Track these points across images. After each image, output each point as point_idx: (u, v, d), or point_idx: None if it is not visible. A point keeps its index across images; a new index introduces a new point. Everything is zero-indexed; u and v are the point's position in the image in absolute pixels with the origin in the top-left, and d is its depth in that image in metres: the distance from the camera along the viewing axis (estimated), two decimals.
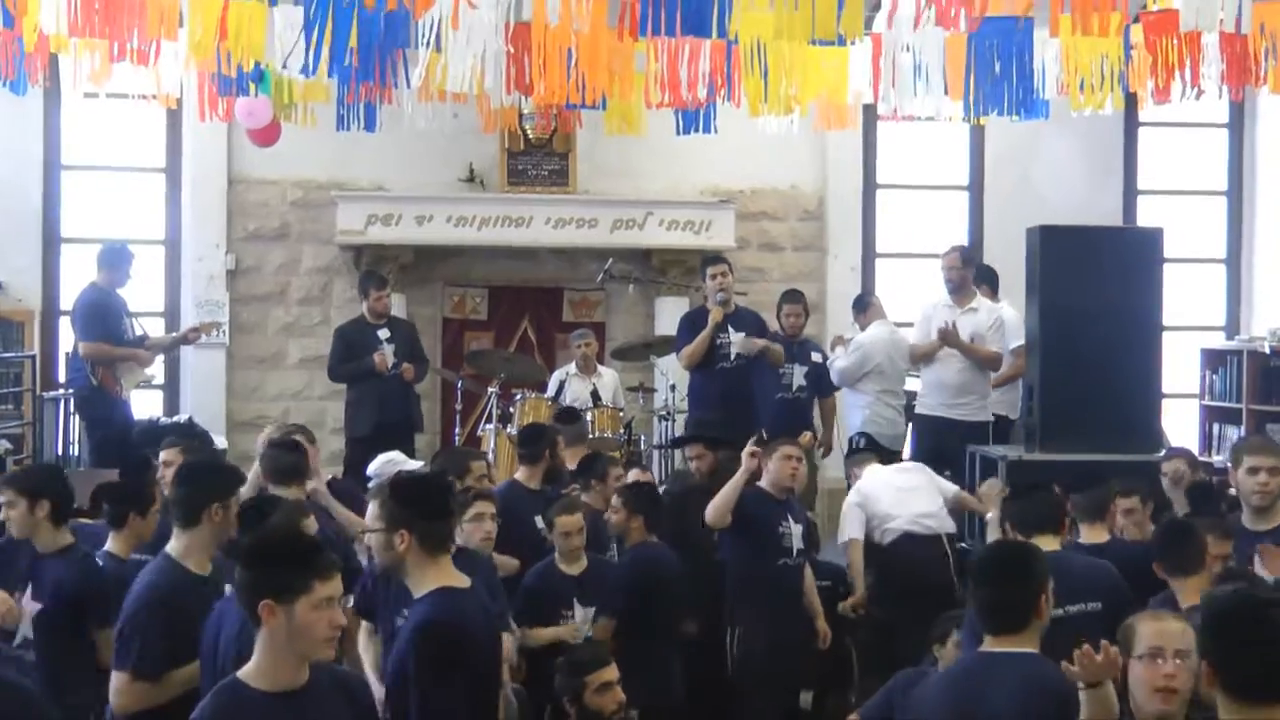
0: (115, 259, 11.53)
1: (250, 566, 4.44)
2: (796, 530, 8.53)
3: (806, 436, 11.07)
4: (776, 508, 8.51)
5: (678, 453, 11.63)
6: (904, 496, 9.44)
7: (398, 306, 13.80)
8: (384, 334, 11.88)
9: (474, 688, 5.05)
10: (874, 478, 9.73)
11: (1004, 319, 11.47)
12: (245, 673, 4.41)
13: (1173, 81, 9.50)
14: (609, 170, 14.28)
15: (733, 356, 11.13)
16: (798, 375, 11.80)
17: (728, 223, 14.20)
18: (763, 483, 8.54)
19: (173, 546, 5.78)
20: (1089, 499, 7.57)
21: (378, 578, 6.17)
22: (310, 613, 4.33)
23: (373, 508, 5.24)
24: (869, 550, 9.36)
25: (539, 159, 14.28)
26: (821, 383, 11.98)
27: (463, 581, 5.17)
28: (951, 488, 9.78)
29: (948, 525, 9.40)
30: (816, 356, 12.01)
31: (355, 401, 11.81)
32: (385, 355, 11.68)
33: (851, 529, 9.46)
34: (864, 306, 12.57)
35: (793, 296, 12.20)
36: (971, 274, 11.67)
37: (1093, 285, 10.21)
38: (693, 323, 11.44)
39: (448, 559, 5.19)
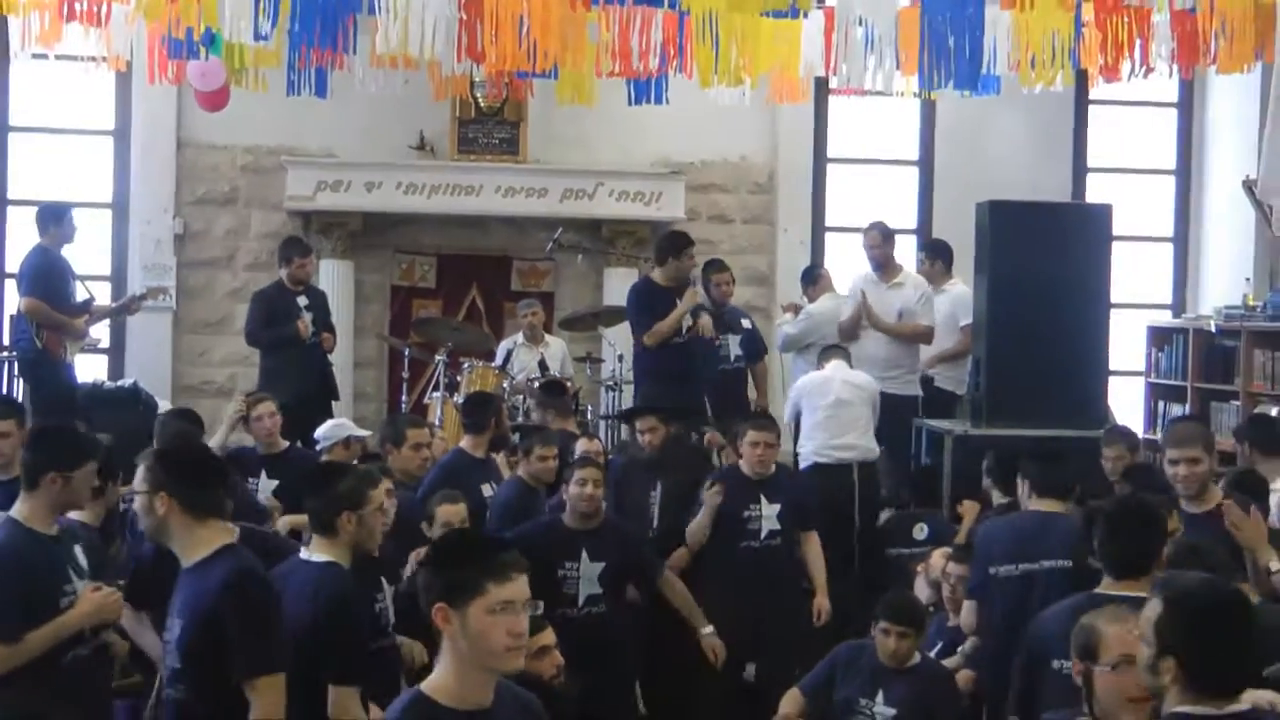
0: (57, 213, 11.45)
1: (425, 567, 4.15)
2: (770, 511, 8.52)
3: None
4: (747, 490, 8.56)
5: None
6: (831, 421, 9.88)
7: (346, 273, 13.79)
8: (303, 301, 11.82)
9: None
10: (823, 387, 9.96)
11: (930, 293, 11.58)
12: (432, 686, 4.09)
13: (1122, 60, 9.55)
14: (560, 140, 14.24)
15: (684, 331, 10.78)
16: (733, 345, 11.81)
17: (678, 194, 14.19)
18: (741, 464, 8.65)
19: (17, 509, 5.69)
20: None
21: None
22: (484, 618, 3.94)
23: (139, 472, 5.14)
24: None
25: (490, 127, 14.23)
26: (754, 348, 12.03)
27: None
28: None
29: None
30: (746, 323, 12.10)
31: (273, 370, 11.65)
32: (307, 323, 11.61)
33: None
34: (813, 279, 12.62)
35: (720, 266, 12.15)
36: (892, 249, 11.78)
37: (1041, 261, 10.26)
38: (649, 297, 10.95)
39: (219, 524, 5.11)
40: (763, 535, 8.52)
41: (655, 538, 8.70)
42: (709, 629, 8.03)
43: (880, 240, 11.66)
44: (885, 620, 6.71)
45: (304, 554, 5.73)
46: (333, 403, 11.82)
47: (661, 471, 9.15)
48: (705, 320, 10.85)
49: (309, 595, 5.46)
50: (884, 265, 11.61)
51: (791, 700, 6.91)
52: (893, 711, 6.61)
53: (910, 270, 11.96)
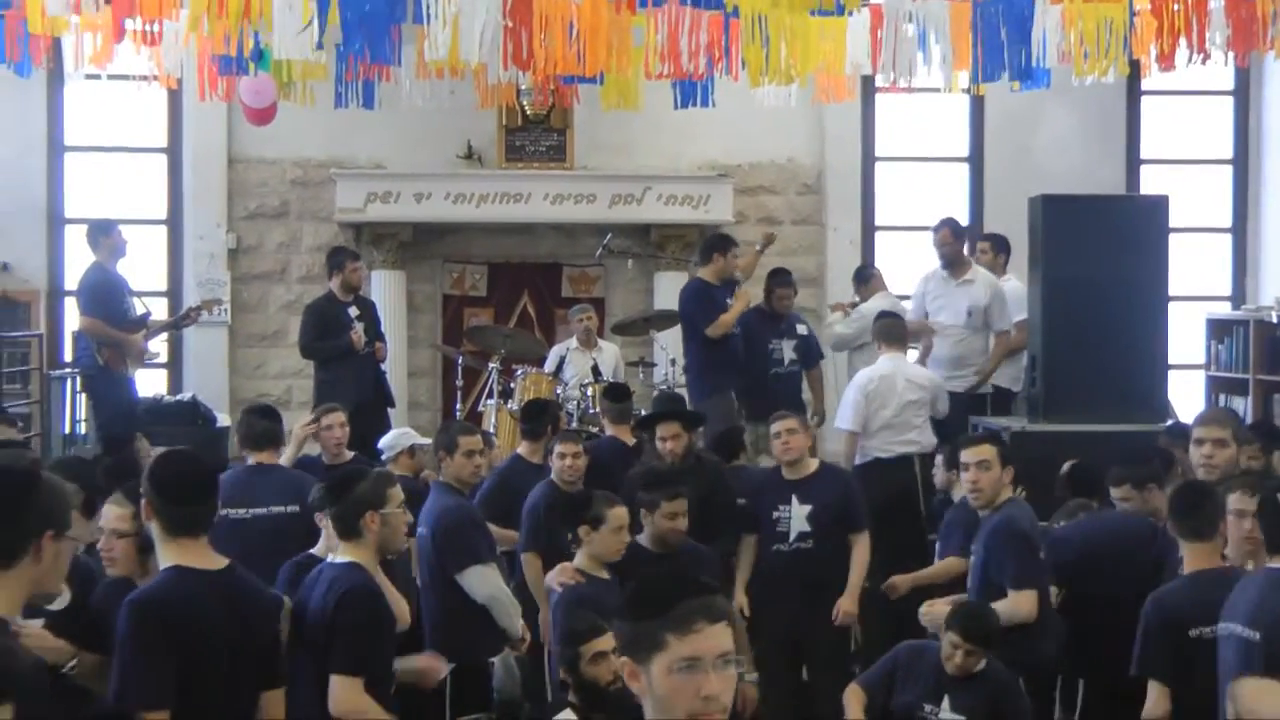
0: (105, 227, 11.54)
1: (617, 618, 3.56)
2: (800, 512, 8.38)
3: None
4: (779, 490, 8.51)
5: None
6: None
7: (397, 283, 13.83)
8: (354, 311, 11.84)
9: (187, 671, 4.75)
10: (888, 389, 9.86)
11: (1003, 290, 11.47)
12: None
13: (1178, 47, 9.44)
14: (606, 145, 14.26)
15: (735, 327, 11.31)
16: (787, 350, 11.76)
17: (726, 197, 14.18)
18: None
19: None
20: None
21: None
22: (666, 678, 3.32)
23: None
24: None
25: (536, 135, 14.27)
26: (809, 354, 11.97)
27: (212, 564, 4.93)
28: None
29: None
30: (802, 329, 11.99)
31: (331, 380, 11.64)
32: (359, 334, 11.64)
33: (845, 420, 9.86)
34: (865, 278, 12.58)
35: (785, 279, 12.07)
36: (964, 246, 11.68)
37: (1097, 255, 10.16)
38: (708, 297, 11.33)
39: (195, 543, 4.93)
40: (791, 538, 8.39)
41: None
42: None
43: (951, 237, 11.57)
44: (956, 634, 6.59)
45: (330, 559, 5.81)
46: (389, 411, 11.84)
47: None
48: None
49: (324, 590, 5.58)
50: (954, 262, 11.50)
51: (855, 697, 6.87)
52: (961, 719, 6.56)
53: (981, 269, 11.82)
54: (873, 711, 6.77)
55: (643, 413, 10.67)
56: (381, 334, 12.10)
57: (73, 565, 5.49)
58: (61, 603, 5.31)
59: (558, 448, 8.68)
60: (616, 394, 10.21)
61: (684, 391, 11.35)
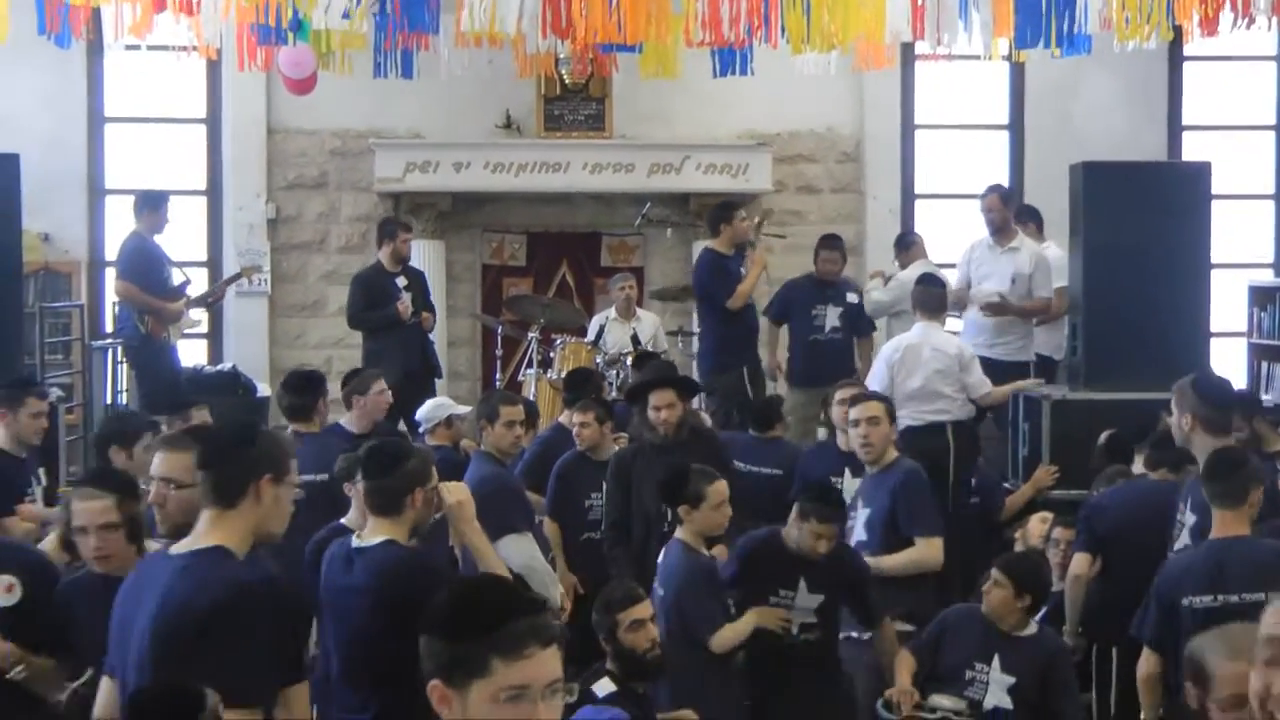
0: (154, 200, 11.60)
1: (423, 632, 3.13)
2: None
3: None
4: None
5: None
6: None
7: (436, 253, 13.86)
8: (401, 281, 11.87)
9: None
10: (914, 358, 9.79)
11: (1047, 258, 11.41)
12: None
13: (1221, 12, 9.36)
14: (645, 114, 14.23)
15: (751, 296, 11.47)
16: (831, 316, 11.72)
17: (765, 166, 14.15)
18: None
19: None
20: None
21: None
22: (488, 707, 2.99)
23: (185, 460, 4.80)
24: None
25: (575, 104, 14.25)
26: (859, 324, 11.92)
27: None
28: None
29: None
30: (852, 297, 11.91)
31: (378, 351, 11.68)
32: (407, 304, 11.66)
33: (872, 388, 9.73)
34: (906, 245, 12.54)
35: (832, 243, 12.06)
36: (1013, 213, 11.60)
37: (1138, 222, 10.11)
38: (717, 266, 11.37)
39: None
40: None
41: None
42: None
43: (999, 204, 11.45)
44: (996, 570, 6.70)
45: (355, 540, 5.51)
46: (435, 381, 11.88)
47: (669, 458, 7.84)
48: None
49: (374, 572, 5.32)
50: (1001, 229, 11.40)
51: (905, 663, 6.89)
52: (1011, 680, 6.58)
53: (1026, 237, 11.76)
54: (920, 677, 6.79)
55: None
56: (430, 304, 12.15)
57: (24, 559, 5.51)
58: (10, 599, 5.22)
59: (575, 416, 8.68)
60: (642, 363, 10.25)
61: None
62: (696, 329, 12.76)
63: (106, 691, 4.51)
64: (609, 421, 8.76)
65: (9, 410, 8.09)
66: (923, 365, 9.68)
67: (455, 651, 3.01)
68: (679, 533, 6.93)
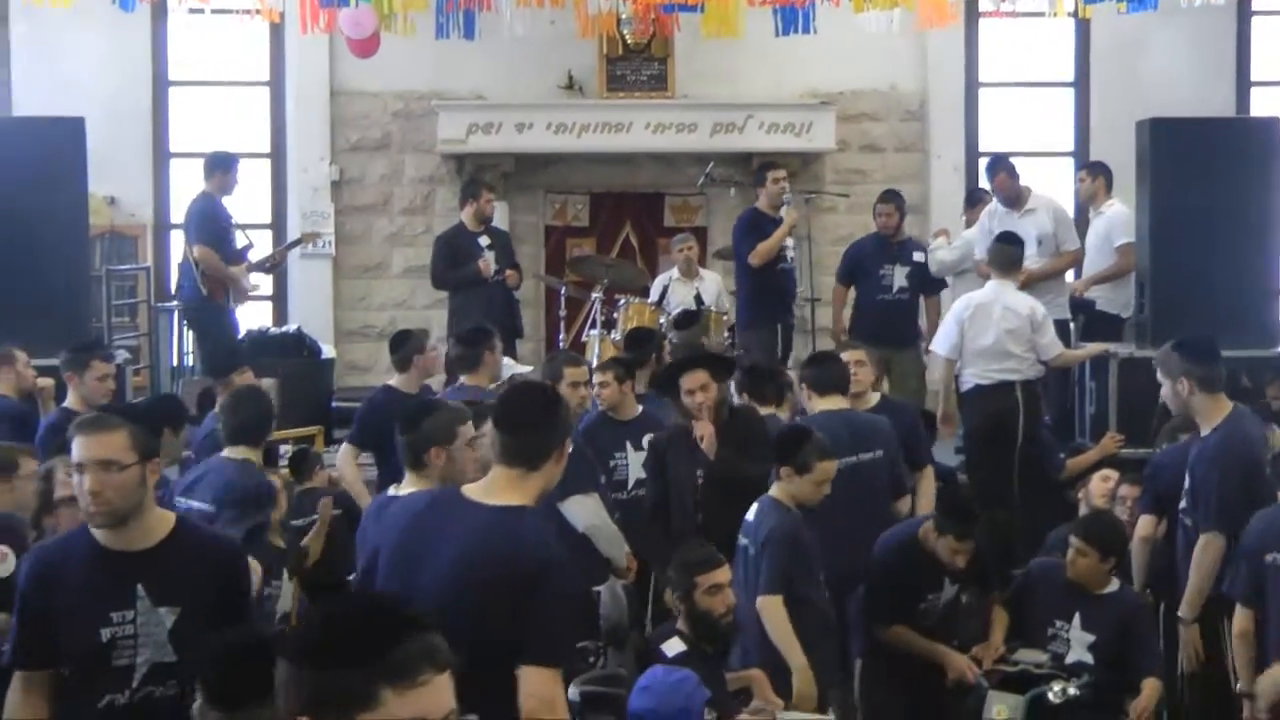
0: (226, 162, 11.66)
1: (288, 659, 2.66)
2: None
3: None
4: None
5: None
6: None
7: (500, 214, 13.88)
8: (484, 241, 11.89)
9: None
10: (985, 316, 9.70)
11: (1066, 211, 11.36)
12: None
13: None
14: (708, 74, 14.20)
15: (789, 258, 11.56)
16: (898, 276, 11.70)
17: (828, 125, 14.09)
18: None
19: None
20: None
21: None
22: None
23: (115, 438, 4.52)
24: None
25: (637, 64, 14.23)
26: (926, 282, 11.87)
27: None
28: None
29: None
30: (918, 256, 11.85)
31: (460, 309, 11.78)
32: (489, 262, 11.70)
33: (940, 346, 9.74)
34: (974, 202, 12.47)
35: (886, 196, 12.02)
36: (1019, 182, 11.50)
37: (1206, 178, 10.02)
38: (753, 224, 11.51)
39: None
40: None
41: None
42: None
43: (1009, 180, 11.41)
44: (1075, 536, 6.74)
45: (392, 490, 5.78)
46: (516, 341, 11.92)
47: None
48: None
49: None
50: (1013, 199, 11.38)
51: (1000, 621, 6.95)
52: (1092, 637, 6.59)
53: (1040, 194, 11.68)
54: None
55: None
56: (516, 264, 12.14)
57: (15, 527, 5.67)
58: (4, 569, 5.28)
59: (595, 375, 8.59)
60: (683, 321, 10.19)
61: None
62: None
63: None
64: (629, 380, 8.63)
65: (75, 373, 8.17)
66: (994, 324, 9.62)
67: (333, 682, 2.51)
68: (773, 489, 6.80)
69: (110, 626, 4.39)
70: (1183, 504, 6.95)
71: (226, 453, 6.98)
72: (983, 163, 14.59)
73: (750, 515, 6.76)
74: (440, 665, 2.56)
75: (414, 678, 2.52)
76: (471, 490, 4.53)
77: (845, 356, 8.25)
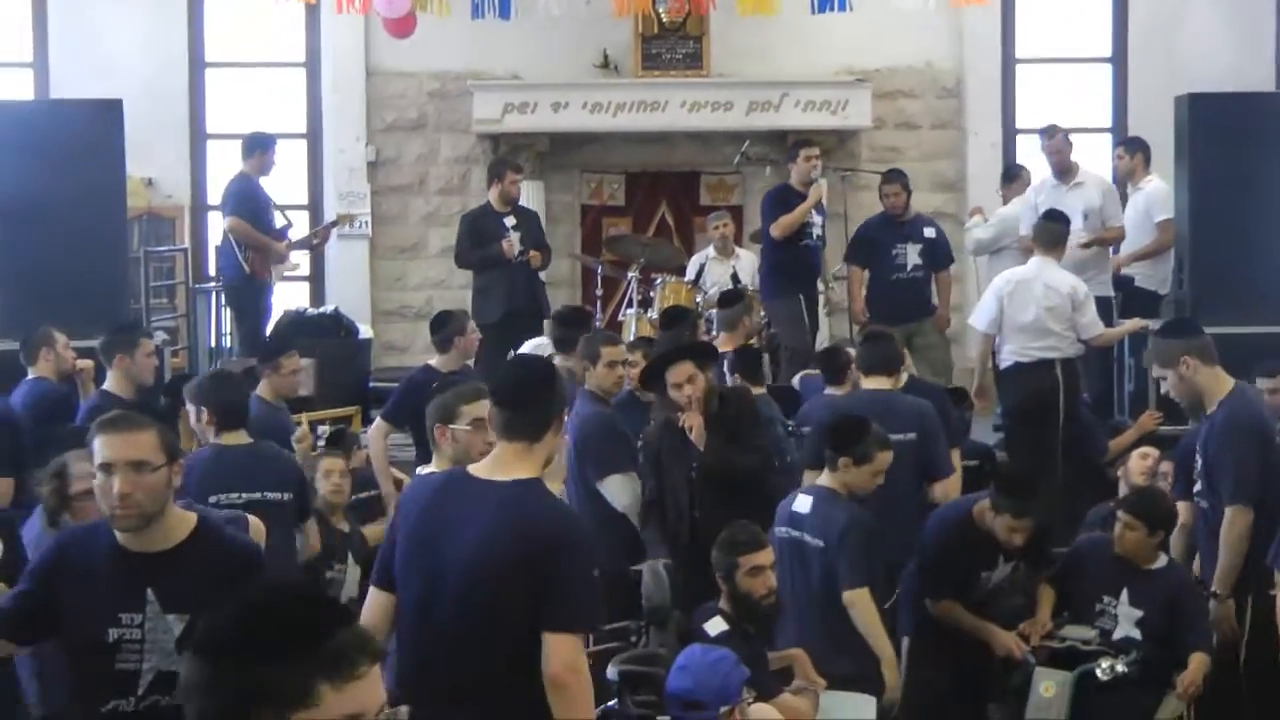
0: (262, 142, 11.72)
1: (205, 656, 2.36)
2: None
3: None
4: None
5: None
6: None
7: (535, 194, 13.89)
8: (510, 221, 11.87)
9: None
10: (1025, 292, 9.66)
11: (1113, 187, 11.30)
12: None
13: None
14: (743, 52, 14.16)
15: (815, 235, 11.51)
16: (911, 254, 11.67)
17: (864, 102, 14.03)
18: None
19: None
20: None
21: None
22: None
23: (145, 438, 4.35)
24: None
25: (673, 43, 14.18)
26: (937, 256, 11.83)
27: None
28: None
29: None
30: (929, 232, 11.83)
31: (483, 289, 11.79)
32: (512, 242, 11.68)
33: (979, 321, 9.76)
34: (1011, 178, 12.44)
35: (890, 176, 11.99)
36: (1071, 151, 11.46)
37: (1245, 154, 10.02)
38: (781, 199, 11.52)
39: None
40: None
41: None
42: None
43: (1064, 144, 11.39)
44: (1123, 511, 6.75)
45: (420, 469, 5.82)
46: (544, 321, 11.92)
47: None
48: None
49: None
50: (1067, 169, 11.33)
51: (1047, 597, 6.95)
52: (1139, 613, 6.58)
53: (1088, 169, 11.64)
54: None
55: None
56: (543, 243, 12.10)
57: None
58: None
59: (627, 355, 8.53)
60: (726, 300, 10.14)
61: None
62: None
63: (377, 603, 4.66)
64: None
65: (126, 352, 8.19)
66: (1035, 301, 9.59)
67: (264, 679, 2.28)
68: (827, 480, 6.80)
69: (118, 627, 4.27)
70: (1197, 486, 6.96)
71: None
72: (1020, 139, 14.60)
73: (801, 506, 6.76)
74: (374, 655, 2.38)
75: (352, 670, 2.32)
76: (479, 469, 4.62)
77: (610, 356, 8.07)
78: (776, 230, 11.31)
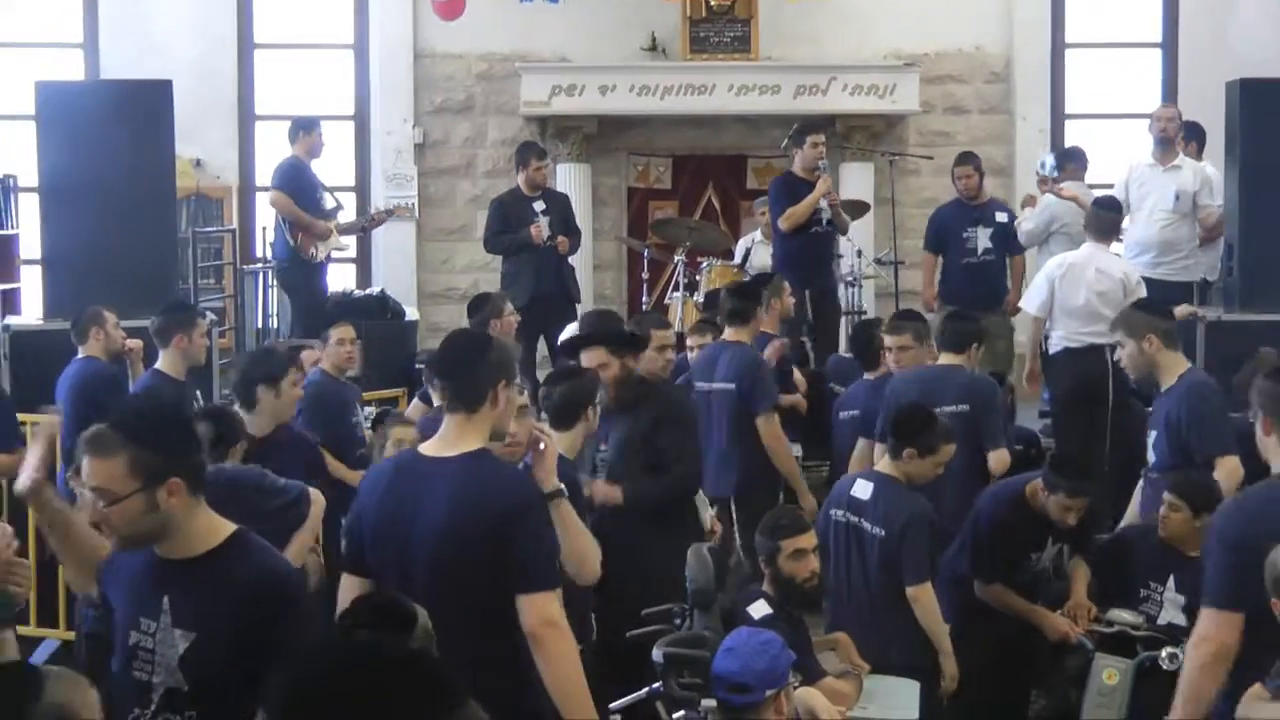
0: (307, 124, 11.77)
1: None
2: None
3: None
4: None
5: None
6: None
7: (582, 177, 13.90)
8: (539, 206, 11.88)
9: None
10: (1076, 278, 9.62)
11: (1212, 175, 11.20)
12: None
13: None
14: (791, 36, 14.14)
15: (824, 221, 11.38)
16: (981, 238, 11.65)
17: (912, 86, 13.99)
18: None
19: None
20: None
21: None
22: None
23: (110, 466, 3.91)
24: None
25: (721, 26, 14.16)
26: (1010, 242, 11.79)
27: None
28: None
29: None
30: (1001, 217, 11.80)
31: (512, 273, 11.79)
32: (540, 227, 11.68)
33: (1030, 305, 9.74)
34: (1062, 165, 12.34)
35: (963, 158, 11.97)
36: (1181, 132, 11.38)
37: None
38: (788, 189, 11.38)
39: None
40: None
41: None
42: None
43: (1177, 116, 11.32)
44: (1167, 493, 6.70)
45: None
46: (576, 306, 11.91)
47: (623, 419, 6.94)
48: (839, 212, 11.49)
49: None
50: (1168, 146, 11.23)
51: (1081, 575, 6.96)
52: (1184, 599, 6.56)
53: (1186, 157, 11.54)
54: (1096, 593, 6.85)
55: None
56: (573, 227, 12.09)
57: None
58: None
59: (692, 339, 8.58)
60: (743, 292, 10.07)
61: None
62: (841, 253, 12.69)
63: (348, 589, 4.73)
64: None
65: (185, 332, 8.19)
66: (1086, 285, 9.52)
67: None
68: (889, 467, 6.82)
69: (137, 631, 4.02)
70: (1151, 460, 7.21)
71: None
72: (1069, 124, 14.51)
73: (861, 492, 6.78)
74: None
75: None
76: (428, 448, 4.73)
77: (888, 341, 8.32)
78: (785, 223, 11.21)
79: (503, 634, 4.45)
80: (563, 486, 5.18)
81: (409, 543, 4.57)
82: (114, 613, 4.15)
